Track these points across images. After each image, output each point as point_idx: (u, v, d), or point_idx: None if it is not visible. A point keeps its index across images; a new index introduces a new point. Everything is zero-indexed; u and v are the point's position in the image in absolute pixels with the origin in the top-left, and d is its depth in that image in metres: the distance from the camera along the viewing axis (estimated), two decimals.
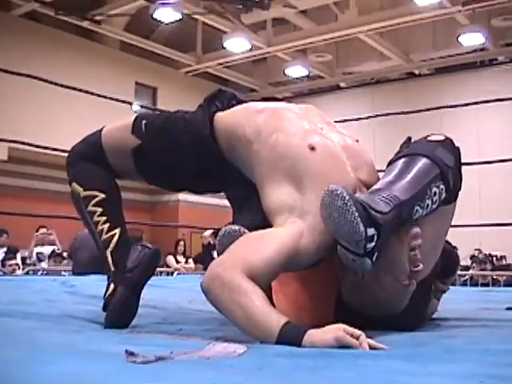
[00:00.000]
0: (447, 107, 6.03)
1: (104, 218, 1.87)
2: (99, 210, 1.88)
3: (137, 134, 1.92)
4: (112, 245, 1.85)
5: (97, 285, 1.92)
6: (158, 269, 7.54)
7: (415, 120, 9.79)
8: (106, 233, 1.86)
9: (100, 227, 1.87)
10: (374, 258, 1.50)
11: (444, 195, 1.65)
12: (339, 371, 1.08)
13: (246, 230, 1.73)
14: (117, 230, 1.87)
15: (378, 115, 7.12)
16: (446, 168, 1.65)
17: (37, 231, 8.41)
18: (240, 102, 1.99)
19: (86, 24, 11.51)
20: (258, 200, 1.77)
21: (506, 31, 12.10)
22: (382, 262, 1.53)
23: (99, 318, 1.85)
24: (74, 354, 1.19)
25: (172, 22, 11.55)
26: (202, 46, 13.53)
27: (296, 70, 13.40)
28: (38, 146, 4.43)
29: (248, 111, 1.89)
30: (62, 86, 4.62)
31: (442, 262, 1.86)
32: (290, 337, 1.37)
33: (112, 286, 1.83)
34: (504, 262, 9.80)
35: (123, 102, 5.87)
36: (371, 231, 1.46)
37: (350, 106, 13.53)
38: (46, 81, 4.50)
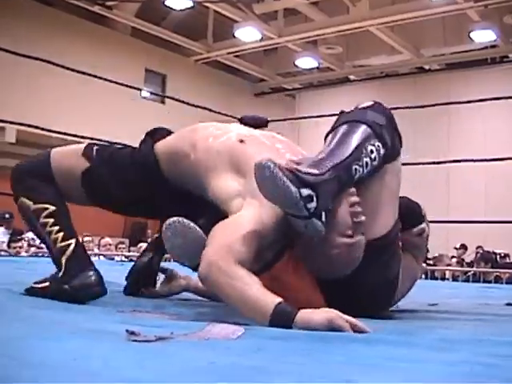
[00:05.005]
0: (456, 103, 5.99)
1: (57, 227, 1.91)
2: (51, 220, 1.92)
3: (86, 156, 2.01)
4: (68, 253, 1.88)
5: (100, 268, 1.94)
6: (166, 255, 7.50)
7: (424, 115, 9.78)
8: (61, 241, 1.90)
9: (54, 236, 1.90)
10: (324, 219, 1.57)
11: (383, 151, 1.73)
12: (333, 355, 1.11)
13: (187, 221, 1.79)
14: (72, 241, 1.91)
15: None
16: (377, 127, 1.74)
17: None
18: None
19: (97, 9, 11.51)
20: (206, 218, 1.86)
21: None
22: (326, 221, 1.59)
23: (101, 299, 1.88)
24: (76, 331, 1.22)
25: (183, 10, 11.56)
26: (212, 34, 13.52)
27: (306, 62, 13.42)
28: (49, 131, 4.46)
29: (181, 134, 2.06)
30: (71, 70, 4.63)
31: (405, 214, 1.92)
32: (284, 315, 1.42)
33: (46, 283, 1.91)
34: (508, 260, 9.80)
35: (133, 88, 5.89)
36: (306, 191, 1.53)
37: (358, 99, 13.37)
38: (56, 65, 4.50)
